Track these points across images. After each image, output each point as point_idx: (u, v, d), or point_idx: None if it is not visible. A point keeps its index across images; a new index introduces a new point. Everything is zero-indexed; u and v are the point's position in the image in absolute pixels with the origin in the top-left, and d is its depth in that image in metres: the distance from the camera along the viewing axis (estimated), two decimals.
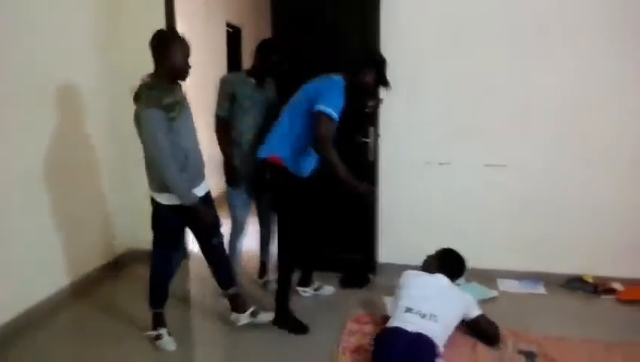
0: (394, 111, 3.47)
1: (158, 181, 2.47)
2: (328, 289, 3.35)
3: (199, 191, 2.57)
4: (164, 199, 2.51)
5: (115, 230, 3.80)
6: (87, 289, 3.36)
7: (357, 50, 3.20)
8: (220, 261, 2.79)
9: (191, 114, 2.56)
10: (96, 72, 3.51)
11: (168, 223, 2.61)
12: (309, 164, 2.87)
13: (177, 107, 2.38)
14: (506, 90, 3.35)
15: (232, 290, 2.82)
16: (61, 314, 3.06)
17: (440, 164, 3.52)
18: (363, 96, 2.83)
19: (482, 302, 3.12)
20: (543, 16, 3.23)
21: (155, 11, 3.60)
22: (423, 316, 2.36)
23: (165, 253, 2.70)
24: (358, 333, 2.70)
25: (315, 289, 3.34)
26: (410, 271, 2.72)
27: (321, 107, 2.56)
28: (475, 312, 2.61)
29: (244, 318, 2.82)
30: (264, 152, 2.78)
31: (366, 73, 2.70)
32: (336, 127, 2.62)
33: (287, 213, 2.85)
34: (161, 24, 3.59)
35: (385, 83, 2.75)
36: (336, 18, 3.34)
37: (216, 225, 2.68)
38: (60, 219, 3.17)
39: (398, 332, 2.29)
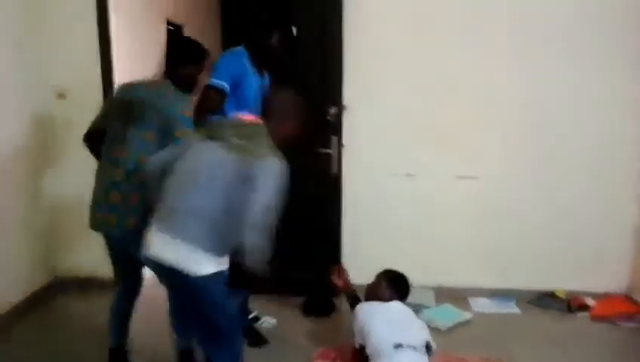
0: (357, 118, 3.19)
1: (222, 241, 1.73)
2: (268, 321, 2.96)
3: None
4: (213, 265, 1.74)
5: (38, 255, 3.25)
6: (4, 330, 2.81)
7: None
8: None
9: None
10: (10, 71, 2.97)
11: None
12: None
13: None
14: (471, 96, 3.17)
15: None
16: None
17: (407, 175, 3.27)
18: (274, 62, 2.64)
19: (457, 326, 2.93)
20: (512, 16, 3.07)
21: (84, 3, 3.11)
22: (415, 349, 2.11)
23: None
24: None
25: (252, 320, 2.90)
26: (365, 304, 2.43)
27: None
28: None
29: None
30: None
31: (270, 37, 2.54)
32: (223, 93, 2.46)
33: None
34: (92, 18, 3.11)
35: (290, 43, 2.60)
36: (294, 17, 3.00)
37: None
38: None
39: None
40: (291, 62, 2.84)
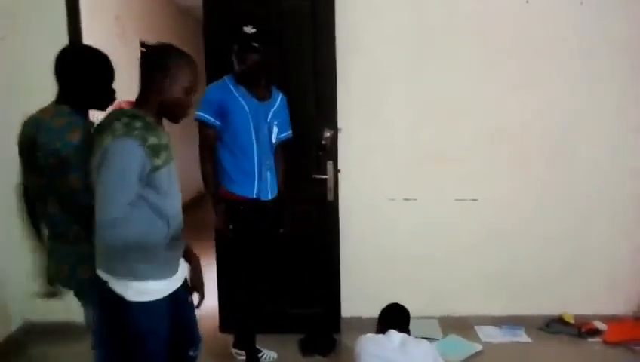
0: (353, 142, 3.02)
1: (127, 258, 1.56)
2: (268, 355, 2.80)
3: (175, 282, 1.72)
4: (136, 293, 1.61)
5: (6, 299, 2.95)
6: None
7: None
8: None
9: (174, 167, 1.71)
10: None
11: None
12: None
13: (164, 154, 1.60)
14: (470, 117, 3.04)
15: None
16: None
17: (405, 199, 3.11)
18: (252, 77, 2.50)
19: (468, 359, 2.75)
20: (519, 38, 2.96)
21: (54, 25, 2.88)
22: None
23: None
24: None
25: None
26: (364, 337, 2.29)
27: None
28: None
29: None
30: None
31: (241, 56, 2.43)
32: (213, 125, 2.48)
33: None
34: (63, 41, 2.88)
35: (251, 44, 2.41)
36: (285, 40, 2.83)
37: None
38: None
39: None
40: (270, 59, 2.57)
